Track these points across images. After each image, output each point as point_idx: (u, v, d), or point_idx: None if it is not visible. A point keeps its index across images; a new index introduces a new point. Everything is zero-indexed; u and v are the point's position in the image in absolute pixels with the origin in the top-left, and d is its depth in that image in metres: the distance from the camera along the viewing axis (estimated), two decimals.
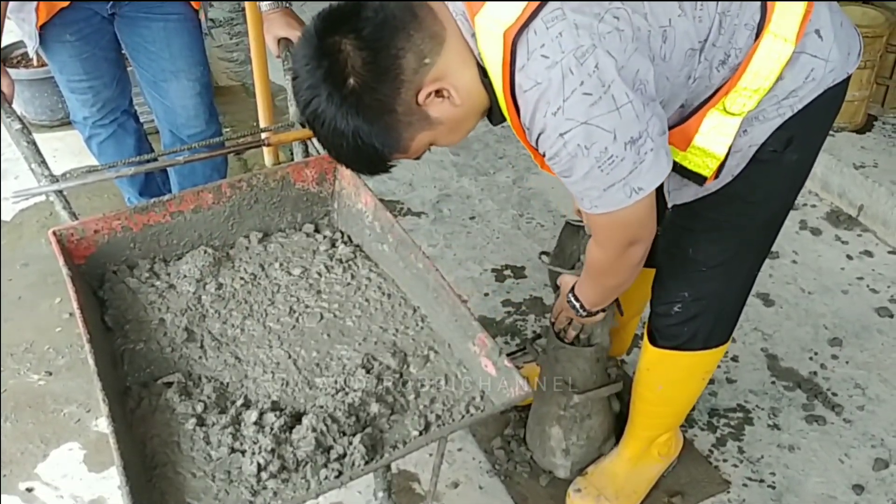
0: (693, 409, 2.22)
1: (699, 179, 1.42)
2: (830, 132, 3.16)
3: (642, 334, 1.83)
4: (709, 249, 1.59)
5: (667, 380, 1.82)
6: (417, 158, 1.33)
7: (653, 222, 1.35)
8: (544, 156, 1.26)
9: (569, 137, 1.19)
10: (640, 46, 1.21)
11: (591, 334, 1.86)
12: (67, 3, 2.11)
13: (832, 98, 1.41)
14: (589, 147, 1.19)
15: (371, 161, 1.28)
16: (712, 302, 1.67)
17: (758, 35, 1.30)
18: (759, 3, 1.30)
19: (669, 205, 1.56)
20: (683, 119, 1.37)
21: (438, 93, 1.23)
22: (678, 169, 1.42)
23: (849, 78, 1.43)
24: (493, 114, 1.32)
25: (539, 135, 1.23)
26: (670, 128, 1.36)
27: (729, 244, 1.58)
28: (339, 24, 1.19)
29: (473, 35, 1.22)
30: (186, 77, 2.32)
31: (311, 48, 1.20)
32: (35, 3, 2.06)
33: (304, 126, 1.85)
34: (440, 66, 1.21)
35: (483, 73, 1.24)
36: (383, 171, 1.31)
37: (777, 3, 1.30)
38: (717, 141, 1.36)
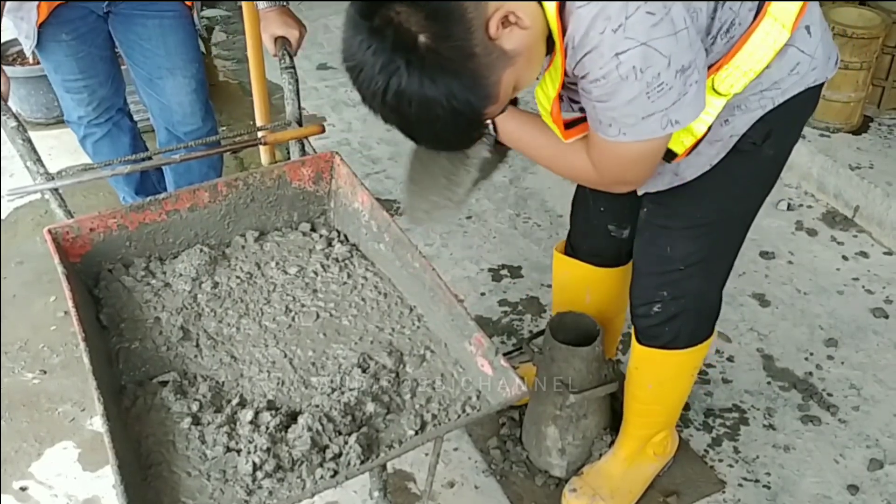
0: (688, 408, 2.22)
1: (669, 155, 1.40)
2: (826, 133, 3.15)
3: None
4: (686, 247, 1.61)
5: (655, 378, 1.82)
6: (503, 111, 1.30)
7: (653, 169, 1.35)
8: (584, 78, 1.21)
9: (625, 58, 1.15)
10: None
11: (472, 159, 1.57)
12: (65, 0, 2.10)
13: (808, 99, 1.46)
14: (644, 70, 1.16)
15: (469, 124, 1.21)
16: (691, 301, 1.68)
17: (757, 14, 1.31)
18: None
19: (640, 192, 1.56)
20: None
21: (505, 21, 1.16)
22: None
23: (823, 84, 1.47)
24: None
25: (586, 54, 1.18)
26: None
27: (705, 242, 1.60)
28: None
29: None
30: (182, 74, 2.32)
31: (363, 32, 1.13)
32: (36, 2, 2.05)
33: (302, 124, 1.85)
34: None
35: None
36: (477, 138, 1.27)
37: None
38: (699, 118, 1.35)
